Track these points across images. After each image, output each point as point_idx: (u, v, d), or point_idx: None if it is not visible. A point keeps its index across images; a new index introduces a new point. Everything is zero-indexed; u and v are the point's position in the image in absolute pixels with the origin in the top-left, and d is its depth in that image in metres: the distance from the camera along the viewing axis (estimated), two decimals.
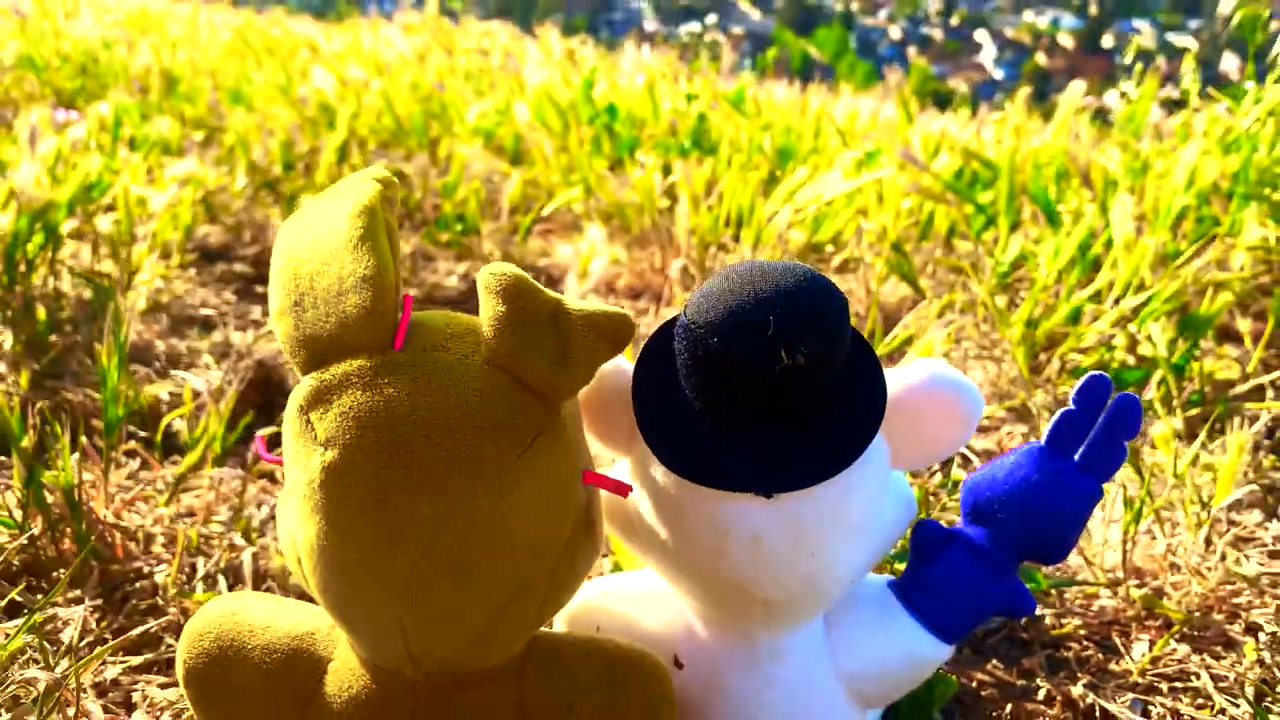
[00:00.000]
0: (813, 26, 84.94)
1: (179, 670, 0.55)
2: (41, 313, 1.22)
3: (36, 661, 0.66)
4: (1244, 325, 1.74)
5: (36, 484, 0.79)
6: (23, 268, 1.35)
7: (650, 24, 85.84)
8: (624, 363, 0.57)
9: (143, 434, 1.06)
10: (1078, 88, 2.17)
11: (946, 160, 2.05)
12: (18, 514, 0.80)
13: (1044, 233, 1.84)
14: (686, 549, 0.56)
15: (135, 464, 0.99)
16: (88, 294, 1.33)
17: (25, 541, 0.79)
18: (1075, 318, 1.50)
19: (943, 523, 0.61)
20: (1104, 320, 1.41)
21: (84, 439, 0.86)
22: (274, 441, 0.56)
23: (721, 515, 0.53)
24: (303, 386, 0.48)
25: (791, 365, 0.48)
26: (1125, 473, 1.03)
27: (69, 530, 0.81)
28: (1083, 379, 0.57)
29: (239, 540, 0.87)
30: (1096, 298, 1.49)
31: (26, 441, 0.78)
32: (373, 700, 0.53)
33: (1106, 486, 0.60)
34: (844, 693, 0.61)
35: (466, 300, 1.96)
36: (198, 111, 2.95)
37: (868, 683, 0.61)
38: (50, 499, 0.80)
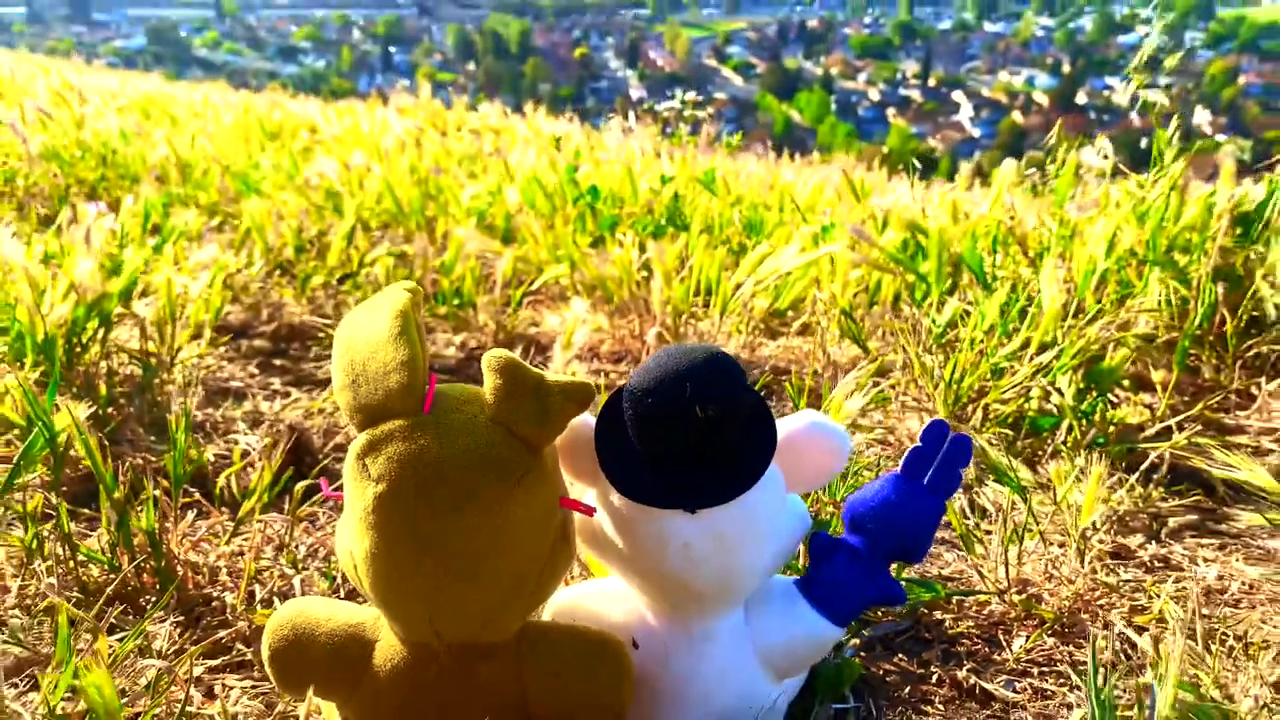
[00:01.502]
0: (794, 91, 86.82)
1: (264, 654, 0.75)
2: (102, 389, 1.43)
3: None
4: (1158, 375, 1.96)
5: (125, 529, 0.99)
6: (79, 349, 1.56)
7: (635, 92, 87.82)
8: (589, 418, 0.78)
9: (190, 487, 1.26)
10: (1009, 165, 2.42)
11: (893, 235, 2.29)
12: (103, 553, 0.99)
13: (979, 296, 2.06)
14: (637, 555, 0.76)
15: (192, 512, 1.19)
16: (137, 371, 1.54)
17: (116, 575, 0.98)
18: (1000, 373, 1.71)
19: (830, 532, 0.82)
20: (1020, 374, 1.62)
21: (156, 492, 1.06)
22: (310, 491, 0.76)
23: (660, 528, 0.73)
24: (360, 440, 0.69)
25: (703, 418, 0.69)
26: (1014, 502, 1.23)
27: (150, 565, 1.00)
28: (927, 424, 0.78)
29: (288, 570, 1.06)
30: (1017, 355, 1.71)
31: (119, 494, 0.98)
32: (408, 667, 0.73)
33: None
34: (761, 666, 0.81)
35: (463, 369, 2.17)
36: (210, 197, 3.19)
37: (779, 657, 0.81)
38: (135, 541, 1.00)
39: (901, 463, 0.79)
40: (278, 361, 2.04)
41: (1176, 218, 2.14)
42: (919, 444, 0.79)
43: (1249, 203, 2.24)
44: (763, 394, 1.77)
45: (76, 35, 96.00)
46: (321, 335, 2.10)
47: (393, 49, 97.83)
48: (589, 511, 0.75)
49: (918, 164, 2.91)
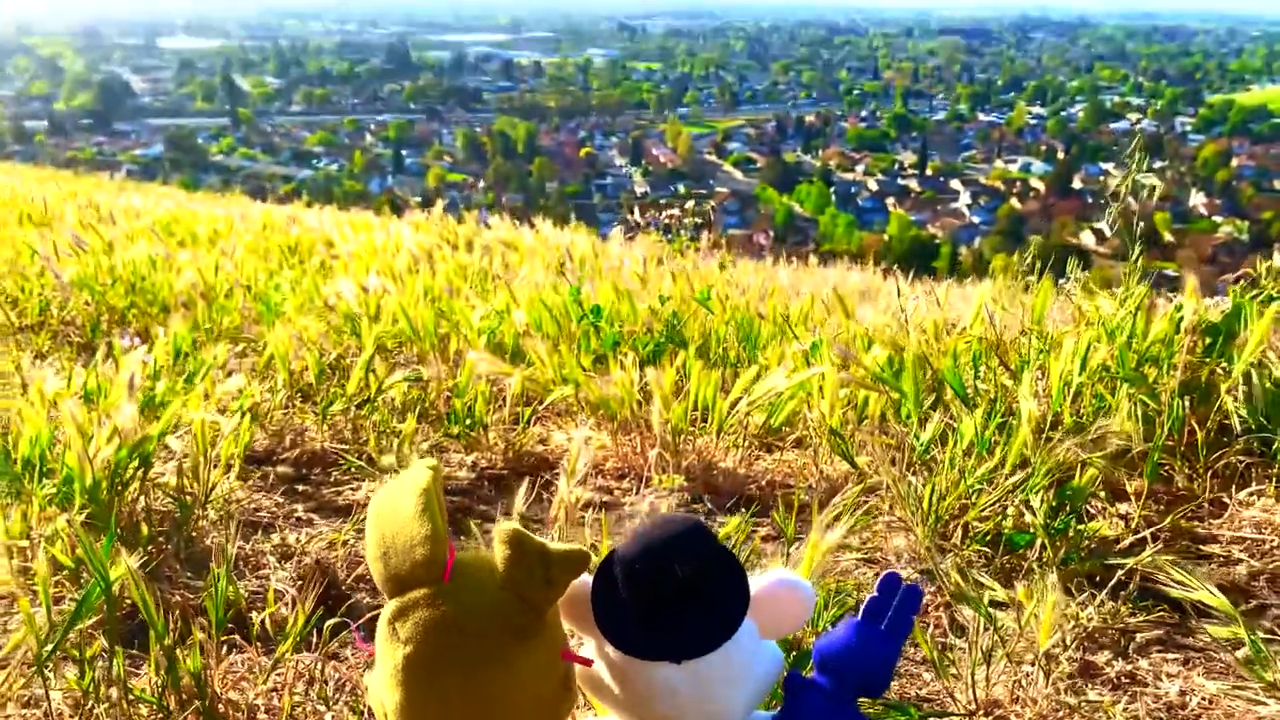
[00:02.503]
0: (794, 183, 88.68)
1: None
2: (144, 529, 1.55)
3: None
4: (1133, 485, 2.06)
5: (174, 673, 1.10)
6: (120, 487, 1.69)
7: (639, 187, 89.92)
8: (587, 578, 0.90)
9: (228, 622, 1.37)
10: (986, 287, 2.58)
11: (879, 352, 2.42)
12: (153, 694, 1.10)
13: (960, 411, 2.19)
14: (631, 699, 0.87)
15: (231, 650, 1.30)
16: (174, 508, 1.66)
17: (166, 716, 1.09)
18: (978, 492, 1.82)
19: (803, 672, 0.92)
20: (995, 494, 1.74)
21: (199, 634, 1.17)
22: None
23: (650, 676, 0.85)
24: (390, 606, 0.81)
25: (684, 580, 0.81)
26: (981, 625, 1.32)
27: (196, 705, 1.11)
28: (882, 576, 0.90)
29: (320, 706, 1.17)
30: (993, 474, 1.82)
31: (169, 640, 1.09)
32: None
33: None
34: None
35: (475, 488, 2.29)
36: (234, 320, 3.36)
37: None
38: (182, 682, 1.11)
39: (861, 610, 0.90)
40: (301, 488, 2.17)
41: (1145, 334, 2.27)
42: (876, 594, 0.90)
43: (1215, 317, 2.38)
44: (760, 508, 1.88)
45: (97, 145, 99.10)
46: (341, 462, 2.23)
47: (404, 152, 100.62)
48: (587, 663, 0.86)
49: (902, 290, 3.07)
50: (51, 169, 17.77)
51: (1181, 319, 2.34)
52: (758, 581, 0.87)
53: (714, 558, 0.83)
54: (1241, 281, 2.76)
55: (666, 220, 6.47)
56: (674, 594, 0.81)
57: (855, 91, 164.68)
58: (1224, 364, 2.18)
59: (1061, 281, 2.91)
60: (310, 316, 3.30)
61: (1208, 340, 2.34)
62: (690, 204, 6.14)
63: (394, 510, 0.84)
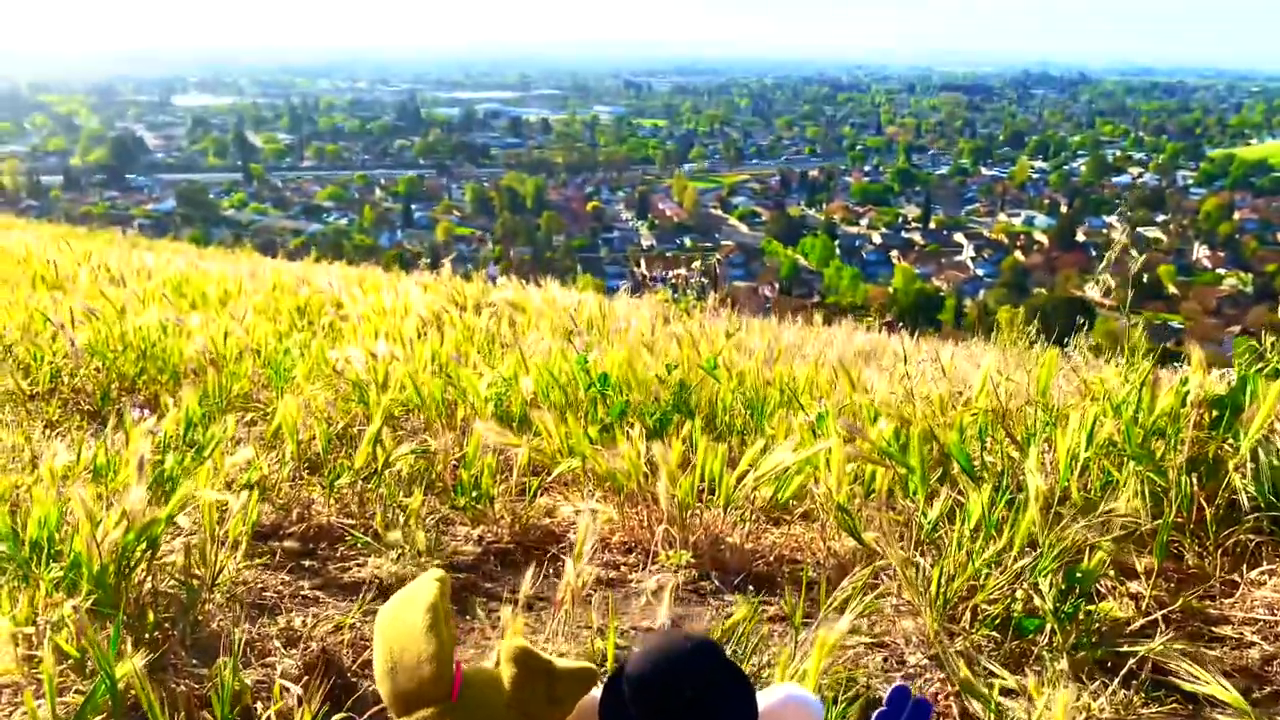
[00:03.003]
0: (799, 236, 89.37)
1: None
2: (150, 615, 1.55)
3: None
4: (1142, 563, 2.05)
5: None
6: (126, 569, 1.69)
7: (646, 240, 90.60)
8: (595, 693, 0.90)
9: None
10: (989, 359, 2.58)
11: (885, 425, 2.43)
12: None
13: (967, 486, 2.18)
14: None
15: None
16: (180, 592, 1.66)
17: None
18: (986, 572, 1.81)
19: None
20: (1004, 577, 1.73)
21: None
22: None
23: None
24: None
25: (690, 697, 0.81)
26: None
27: None
28: (891, 688, 0.90)
29: None
30: (1001, 556, 1.81)
31: None
32: None
33: None
34: None
35: (480, 564, 2.28)
36: (243, 386, 3.38)
37: None
38: None
39: None
40: (308, 563, 2.16)
41: (1150, 409, 2.27)
42: (885, 707, 0.90)
43: (1221, 389, 2.38)
44: (765, 591, 1.87)
45: (110, 200, 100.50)
46: (348, 537, 2.22)
47: (413, 206, 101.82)
48: None
49: (907, 354, 3.08)
50: (66, 225, 18.04)
51: (1187, 393, 2.34)
52: (766, 697, 0.87)
53: (722, 676, 0.83)
54: (1246, 335, 2.76)
55: (673, 280, 6.50)
56: (682, 712, 0.81)
57: (858, 147, 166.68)
58: (1231, 440, 2.18)
59: (1066, 341, 2.92)
60: (319, 383, 3.33)
61: (1214, 413, 2.35)
62: (696, 263, 6.20)
63: (401, 625, 0.84)
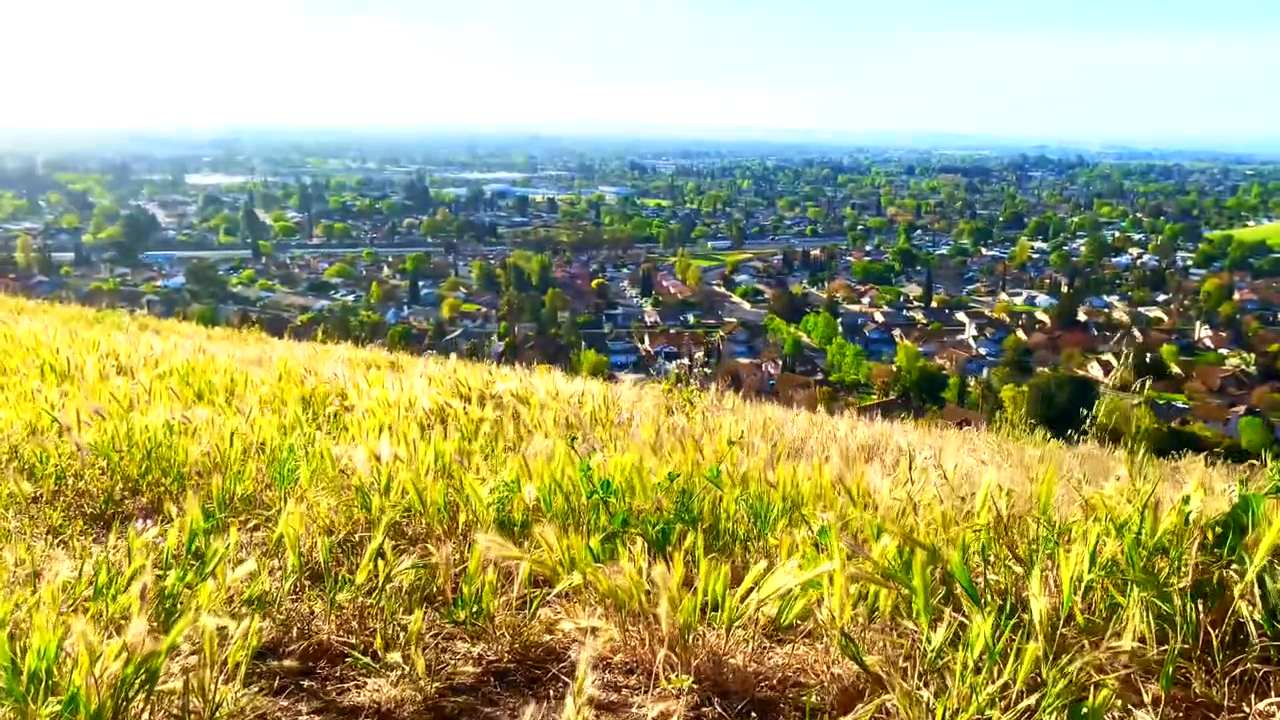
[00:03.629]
0: (801, 314, 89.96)
1: None
2: None
3: None
4: (1149, 692, 2.02)
5: None
6: (124, 702, 1.68)
7: (650, 317, 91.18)
8: None
9: None
10: (992, 475, 2.59)
11: (887, 541, 2.42)
12: None
13: (971, 609, 2.17)
14: None
15: None
16: None
17: None
18: (991, 707, 1.79)
19: None
20: (1009, 717, 1.71)
21: None
22: None
23: None
24: None
25: None
26: None
27: None
28: None
29: None
30: (1004, 693, 1.79)
31: None
32: None
33: None
34: None
35: (480, 686, 2.26)
36: (247, 488, 3.38)
37: None
38: None
39: None
40: (307, 683, 2.14)
41: (1153, 530, 2.27)
42: None
43: (1224, 505, 2.38)
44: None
45: (121, 276, 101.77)
46: (348, 657, 2.21)
47: (420, 283, 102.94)
48: None
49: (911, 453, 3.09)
50: (76, 304, 18.24)
51: (1189, 513, 2.35)
52: None
53: None
54: (1252, 415, 2.77)
55: (676, 370, 6.55)
56: None
57: (859, 227, 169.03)
58: (1236, 564, 2.17)
59: (1071, 425, 2.93)
60: (322, 485, 3.33)
61: (1218, 530, 2.34)
62: (699, 354, 6.24)
63: None
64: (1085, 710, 1.71)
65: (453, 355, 6.34)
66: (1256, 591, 2.11)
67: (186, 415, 4.20)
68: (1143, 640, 2.03)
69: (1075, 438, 4.28)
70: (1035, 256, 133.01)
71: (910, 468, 3.55)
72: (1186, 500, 2.39)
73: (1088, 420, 3.67)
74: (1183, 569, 2.17)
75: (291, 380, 6.19)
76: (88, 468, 3.42)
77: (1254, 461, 2.54)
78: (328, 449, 3.72)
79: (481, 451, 3.99)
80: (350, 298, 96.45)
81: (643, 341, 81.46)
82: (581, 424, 4.89)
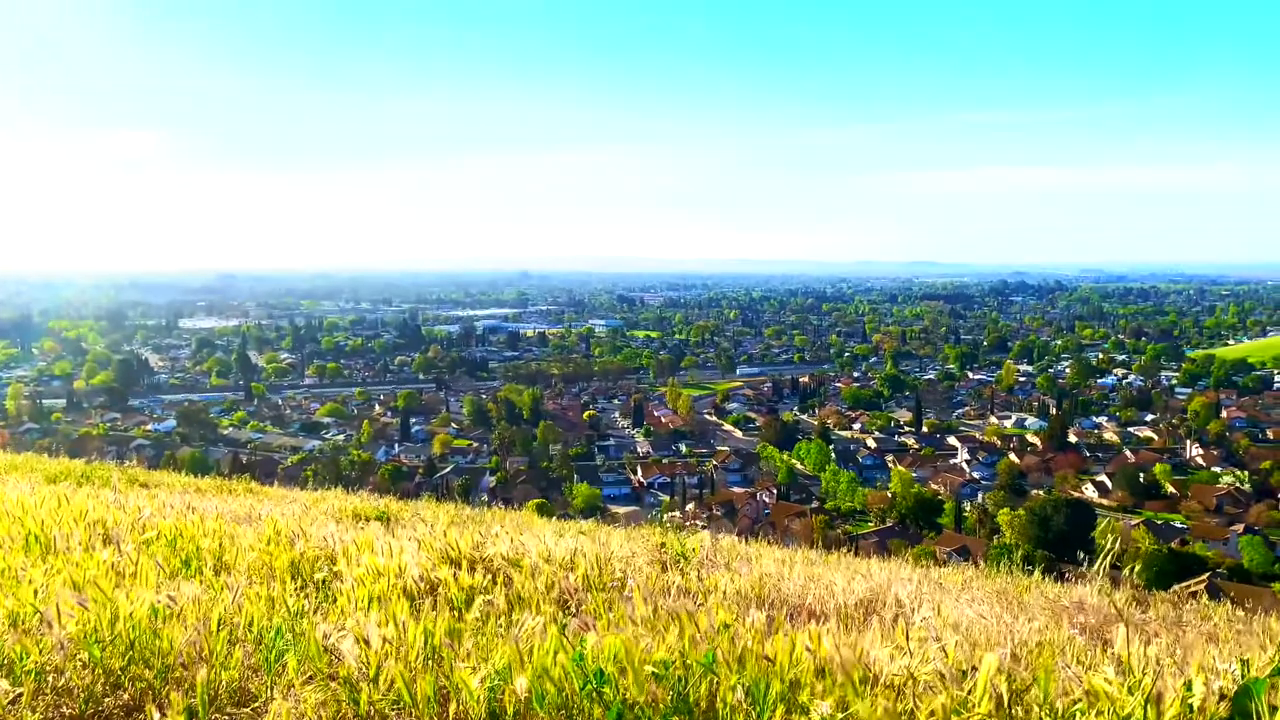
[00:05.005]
0: (794, 441, 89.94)
1: None
2: None
3: None
4: None
5: None
6: None
7: (642, 448, 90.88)
8: None
9: None
10: (991, 661, 2.56)
11: None
12: None
13: None
14: None
15: None
16: None
17: None
18: None
19: None
20: None
21: None
22: None
23: None
24: None
25: None
26: None
27: None
28: None
29: None
30: None
31: None
32: None
33: None
34: None
35: None
36: (232, 677, 3.29)
37: None
38: None
39: None
40: None
41: None
42: None
43: (1228, 685, 2.35)
44: None
45: (111, 421, 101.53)
46: None
47: (411, 420, 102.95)
48: None
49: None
50: (64, 456, 18.12)
51: (1193, 702, 2.31)
52: None
53: None
54: (1251, 534, 2.75)
55: (669, 522, 6.52)
56: None
57: (846, 354, 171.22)
58: None
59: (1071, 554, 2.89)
60: (309, 675, 3.25)
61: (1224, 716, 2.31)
62: (691, 506, 6.23)
63: None
64: None
65: (442, 514, 6.27)
66: None
67: (172, 596, 4.13)
68: None
69: (1078, 563, 4.25)
70: (1022, 379, 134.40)
71: (908, 636, 3.50)
72: (1189, 686, 2.37)
73: (1089, 560, 3.65)
74: None
75: (281, 544, 6.12)
76: (69, 661, 3.33)
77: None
78: (316, 637, 3.66)
79: (472, 628, 3.93)
80: (341, 437, 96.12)
81: (635, 472, 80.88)
82: (574, 592, 4.83)
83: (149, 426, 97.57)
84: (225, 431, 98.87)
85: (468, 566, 5.54)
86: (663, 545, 6.32)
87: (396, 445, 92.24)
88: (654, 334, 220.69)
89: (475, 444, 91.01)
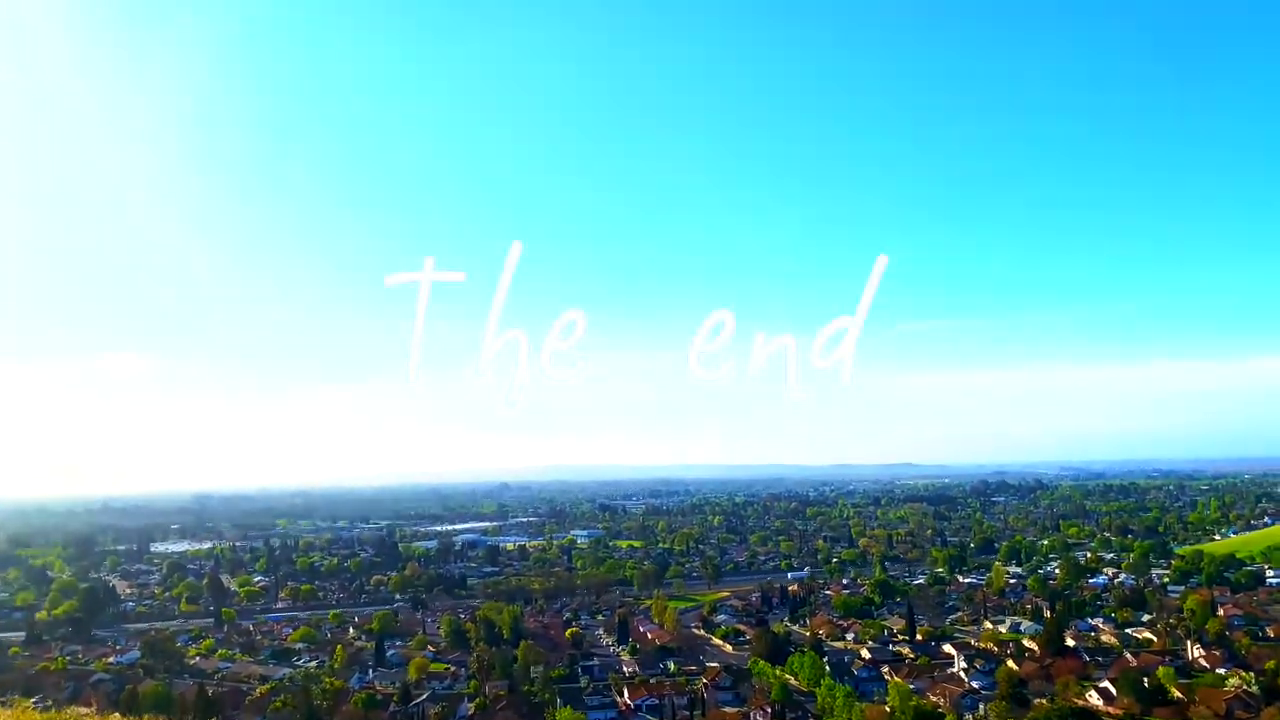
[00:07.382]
0: (785, 654, 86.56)
1: None
2: None
3: None
4: None
5: None
6: None
7: (628, 667, 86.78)
8: None
9: None
10: None
11: None
12: None
13: None
14: None
15: None
16: None
17: None
18: None
19: None
20: None
21: None
22: None
23: None
24: None
25: None
26: None
27: None
28: None
29: None
30: None
31: None
32: None
33: None
34: None
35: None
36: None
37: None
38: None
39: None
40: None
41: None
42: None
43: None
44: None
45: (71, 654, 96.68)
46: None
47: (387, 643, 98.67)
48: None
49: None
50: (18, 696, 17.42)
51: None
52: None
53: None
54: None
55: None
56: None
57: (834, 559, 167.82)
58: None
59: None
60: None
61: None
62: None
63: None
64: None
65: None
66: None
67: None
68: None
69: None
70: (1012, 581, 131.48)
71: None
72: None
73: None
74: None
75: None
76: None
77: None
78: None
79: None
80: (314, 664, 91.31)
81: (621, 694, 76.58)
82: None
83: (110, 659, 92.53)
84: (192, 661, 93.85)
85: None
86: None
87: (371, 671, 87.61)
88: (637, 544, 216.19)
89: (453, 667, 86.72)
